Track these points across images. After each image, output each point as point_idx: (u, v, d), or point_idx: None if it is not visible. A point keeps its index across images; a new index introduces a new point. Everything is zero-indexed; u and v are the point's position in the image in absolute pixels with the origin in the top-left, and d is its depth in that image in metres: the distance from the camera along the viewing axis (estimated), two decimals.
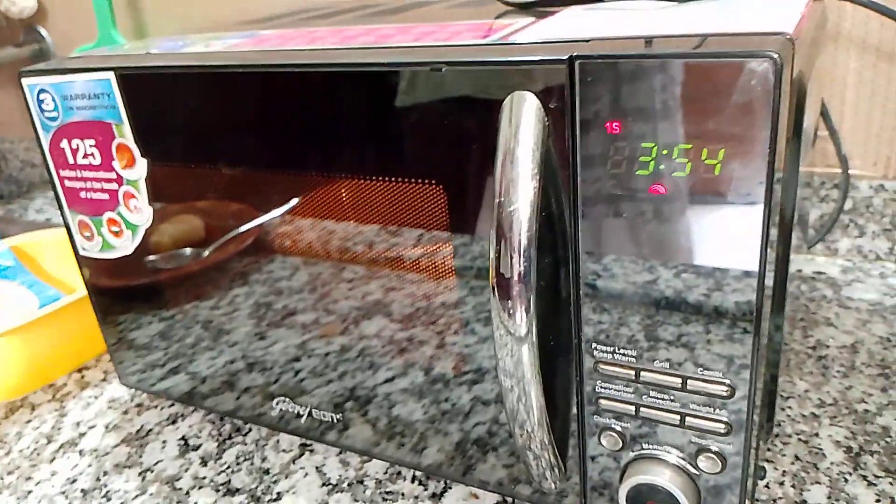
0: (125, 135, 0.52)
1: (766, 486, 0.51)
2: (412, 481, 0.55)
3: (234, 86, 0.48)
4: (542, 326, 0.40)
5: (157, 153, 0.53)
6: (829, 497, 0.49)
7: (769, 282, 0.37)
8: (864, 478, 0.51)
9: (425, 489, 0.54)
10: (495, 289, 0.39)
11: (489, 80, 0.39)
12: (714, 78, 0.33)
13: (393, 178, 0.44)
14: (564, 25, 0.43)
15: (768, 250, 0.35)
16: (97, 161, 0.55)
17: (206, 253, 0.55)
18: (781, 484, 0.51)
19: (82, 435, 0.64)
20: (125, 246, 0.58)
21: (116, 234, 0.57)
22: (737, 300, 0.37)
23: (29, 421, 0.67)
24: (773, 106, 0.32)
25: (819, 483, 0.51)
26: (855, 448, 0.53)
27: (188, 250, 0.56)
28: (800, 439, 0.55)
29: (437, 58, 0.40)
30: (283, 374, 0.56)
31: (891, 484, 0.50)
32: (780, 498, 0.50)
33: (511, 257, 0.37)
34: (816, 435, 0.55)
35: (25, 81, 0.55)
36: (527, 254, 0.37)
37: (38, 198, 1.31)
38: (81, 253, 0.61)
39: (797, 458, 0.53)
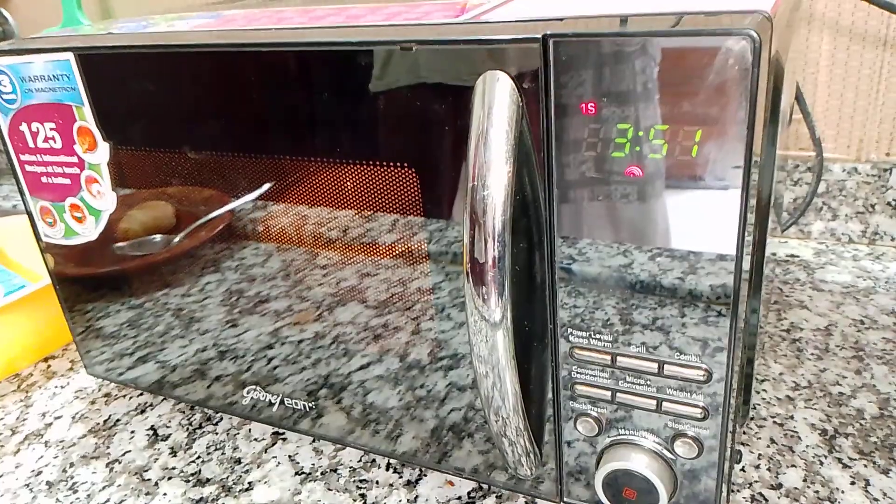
0: (86, 117, 0.51)
1: (742, 469, 0.51)
2: (387, 469, 0.54)
3: (198, 67, 0.46)
4: (516, 312, 0.39)
5: (120, 136, 0.51)
6: (804, 480, 0.49)
7: (746, 265, 0.36)
8: (839, 460, 0.51)
9: (400, 477, 0.53)
10: (469, 274, 0.38)
11: (461, 59, 0.37)
12: (691, 57, 0.32)
13: (365, 162, 0.43)
14: (538, 4, 0.42)
15: (745, 233, 0.35)
16: (58, 145, 0.53)
17: (177, 240, 0.54)
18: (757, 467, 0.51)
19: (48, 426, 0.63)
20: (89, 232, 0.56)
21: (79, 219, 0.56)
22: (713, 283, 0.37)
23: None
24: (751, 85, 0.31)
25: (795, 466, 0.51)
26: (830, 431, 0.54)
27: (158, 237, 0.55)
28: (775, 422, 0.55)
29: (407, 37, 0.39)
30: (255, 363, 0.55)
31: (865, 466, 0.50)
32: (756, 481, 0.50)
33: (485, 242, 0.37)
34: (791, 418, 0.55)
35: None
36: (501, 238, 0.37)
37: (4, 184, 1.28)
38: (44, 240, 0.59)
39: (773, 441, 0.53)
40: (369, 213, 0.44)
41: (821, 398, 0.57)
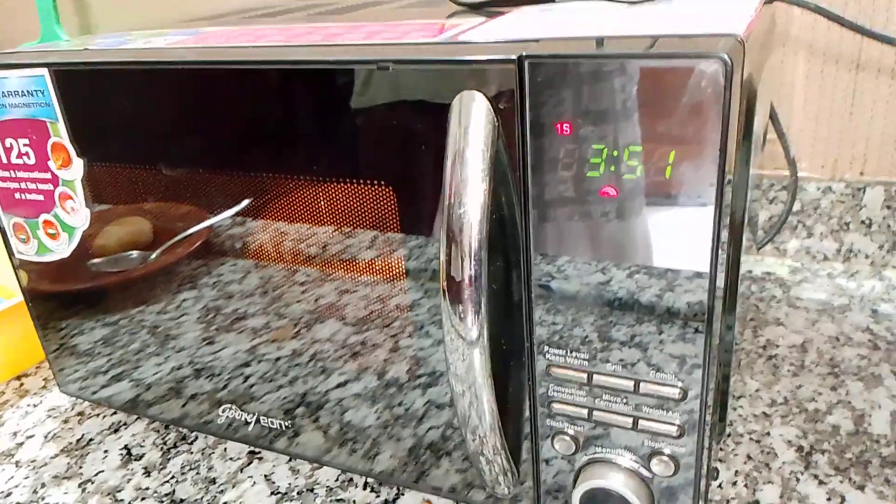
0: (60, 133, 0.50)
1: (720, 486, 0.51)
2: (364, 488, 0.54)
3: (173, 83, 0.46)
4: (494, 330, 0.39)
5: (95, 153, 0.51)
6: (781, 496, 0.50)
7: (720, 283, 0.37)
8: (816, 476, 0.51)
9: (378, 496, 0.53)
10: (446, 292, 0.38)
11: (438, 79, 0.38)
12: (664, 79, 0.33)
13: (343, 180, 0.43)
14: (515, 25, 0.43)
15: (719, 251, 0.35)
16: (32, 161, 0.53)
17: (154, 256, 0.53)
18: (734, 484, 0.51)
19: (19, 445, 0.62)
20: (62, 249, 0.55)
21: (53, 236, 0.55)
22: (689, 301, 0.37)
23: None
24: (724, 107, 0.32)
25: (771, 483, 0.51)
26: (806, 447, 0.54)
27: (135, 253, 0.54)
28: (752, 439, 0.55)
29: (385, 56, 0.39)
30: (231, 381, 0.54)
31: (841, 482, 0.50)
32: (734, 498, 0.50)
33: (462, 260, 0.37)
34: (768, 434, 0.55)
35: None
36: (477, 257, 0.37)
37: None
38: (17, 256, 0.59)
39: (749, 457, 0.53)
40: (347, 230, 0.44)
41: (797, 414, 0.57)
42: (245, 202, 0.47)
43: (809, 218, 0.80)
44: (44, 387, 0.70)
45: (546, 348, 0.41)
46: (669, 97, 0.33)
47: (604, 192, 0.36)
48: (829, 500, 0.49)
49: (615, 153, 0.35)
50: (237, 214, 0.48)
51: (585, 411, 0.42)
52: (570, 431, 0.43)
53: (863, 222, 0.78)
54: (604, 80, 0.34)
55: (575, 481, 0.44)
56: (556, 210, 0.37)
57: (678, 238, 0.36)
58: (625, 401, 0.40)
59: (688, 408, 0.39)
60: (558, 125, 0.35)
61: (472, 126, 0.36)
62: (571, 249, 0.38)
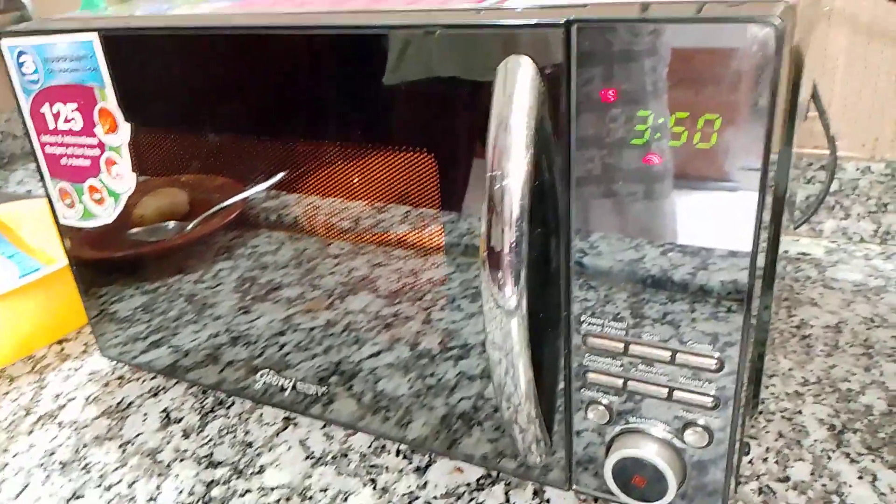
0: (108, 99, 0.51)
1: (750, 462, 0.51)
2: (396, 455, 0.54)
3: (219, 49, 0.47)
4: (531, 299, 0.39)
5: (141, 119, 0.51)
6: (811, 474, 0.50)
7: (761, 262, 0.37)
8: (847, 455, 0.51)
9: (410, 462, 0.53)
10: (486, 261, 0.38)
11: (485, 45, 0.38)
12: (713, 44, 0.32)
13: (384, 147, 0.43)
14: None
15: (761, 229, 0.35)
16: (78, 126, 0.54)
17: (190, 227, 0.54)
18: (765, 460, 0.51)
19: (62, 407, 0.63)
20: (107, 214, 0.56)
21: (98, 201, 0.56)
22: (728, 279, 0.37)
23: (7, 393, 0.66)
24: (774, 75, 0.32)
25: (802, 460, 0.51)
26: (838, 426, 0.54)
27: (171, 224, 0.55)
28: (783, 417, 0.55)
29: (430, 22, 0.39)
30: (267, 348, 0.55)
31: (873, 461, 0.50)
32: (764, 474, 0.50)
33: (502, 229, 0.37)
34: (800, 412, 0.55)
35: (5, 43, 0.54)
36: (519, 225, 0.37)
37: (20, 170, 1.29)
38: (62, 222, 0.60)
39: (781, 435, 0.53)
40: (384, 203, 0.45)
41: (829, 394, 0.57)
42: (282, 174, 0.48)
43: (847, 198, 0.79)
44: (84, 351, 0.71)
45: (583, 318, 0.41)
46: (717, 64, 0.32)
47: (647, 160, 0.36)
48: (860, 478, 0.49)
49: (661, 120, 0.34)
50: (274, 186, 0.48)
51: (620, 381, 0.42)
52: (604, 401, 0.43)
53: None
54: (651, 46, 0.34)
55: (608, 451, 0.44)
56: (599, 179, 0.37)
57: (721, 212, 0.36)
58: (660, 371, 0.41)
59: (722, 382, 0.39)
60: (604, 91, 0.35)
61: (518, 92, 0.36)
62: (614, 220, 0.38)
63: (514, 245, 0.37)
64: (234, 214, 0.52)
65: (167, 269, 0.58)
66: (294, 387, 0.55)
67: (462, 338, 0.46)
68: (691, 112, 0.34)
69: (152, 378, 0.66)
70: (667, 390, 0.41)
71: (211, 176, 0.51)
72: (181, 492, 0.53)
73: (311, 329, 0.53)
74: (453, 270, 0.45)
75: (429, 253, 0.45)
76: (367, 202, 0.45)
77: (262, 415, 0.60)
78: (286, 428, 0.58)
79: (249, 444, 0.57)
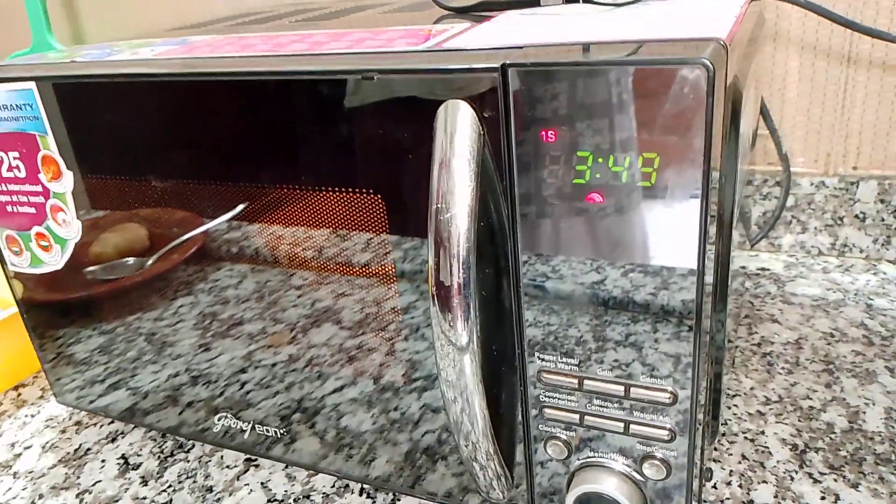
0: (50, 146, 0.50)
1: (714, 486, 0.51)
2: (360, 494, 0.54)
3: (161, 95, 0.46)
4: (484, 336, 0.39)
5: (85, 165, 0.51)
6: (775, 496, 0.50)
7: (709, 279, 0.37)
8: (810, 475, 0.51)
9: (373, 502, 0.53)
10: (435, 298, 0.38)
11: (423, 88, 0.38)
12: (648, 85, 0.33)
13: (332, 189, 0.43)
14: (500, 31, 0.43)
15: (707, 249, 0.35)
16: (22, 174, 0.53)
17: (150, 262, 0.53)
18: (729, 484, 0.51)
19: (17, 456, 0.62)
20: (54, 261, 0.55)
21: (45, 248, 0.55)
22: (681, 299, 0.37)
23: None
24: (707, 113, 0.32)
25: (766, 482, 0.51)
26: (800, 445, 0.54)
27: (131, 260, 0.54)
28: (746, 438, 0.55)
29: (369, 65, 0.39)
30: (228, 387, 0.55)
31: (835, 480, 0.50)
32: (728, 498, 0.50)
33: (450, 266, 0.37)
34: (762, 433, 0.55)
35: None
36: (466, 263, 0.37)
37: None
38: (11, 268, 0.59)
39: (744, 457, 0.53)
40: (339, 238, 0.44)
41: (791, 412, 0.57)
42: (237, 209, 0.47)
43: (803, 213, 0.80)
44: (41, 397, 0.70)
45: (536, 354, 0.41)
46: (653, 103, 0.33)
47: (590, 198, 0.36)
48: (823, 498, 0.49)
49: (600, 159, 0.35)
50: (232, 220, 0.48)
51: (577, 416, 0.42)
52: (563, 436, 0.43)
53: (857, 216, 0.78)
54: (587, 87, 0.34)
55: (569, 485, 0.44)
56: (543, 217, 0.37)
57: (666, 243, 0.36)
58: (616, 405, 0.41)
59: (680, 408, 0.39)
60: (543, 132, 0.35)
61: (458, 134, 0.36)
62: (558, 256, 0.38)
63: (462, 283, 0.37)
64: (194, 248, 0.51)
65: (126, 308, 0.57)
66: (254, 428, 0.55)
67: (425, 368, 0.46)
68: (630, 151, 0.34)
69: (110, 423, 0.65)
70: (623, 424, 0.41)
71: (170, 209, 0.51)
72: None
73: (273, 365, 0.52)
74: (415, 299, 0.44)
75: (388, 283, 0.45)
76: (322, 238, 0.45)
77: (222, 457, 0.59)
78: (247, 470, 0.57)
79: (210, 489, 0.56)
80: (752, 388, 0.60)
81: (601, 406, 0.41)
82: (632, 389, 0.40)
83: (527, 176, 0.37)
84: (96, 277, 0.56)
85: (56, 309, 0.61)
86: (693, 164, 0.33)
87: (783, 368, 0.63)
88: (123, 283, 0.55)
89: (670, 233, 0.35)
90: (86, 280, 0.56)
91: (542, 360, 0.41)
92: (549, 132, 0.35)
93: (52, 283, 0.59)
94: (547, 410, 0.42)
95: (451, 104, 0.36)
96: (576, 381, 0.41)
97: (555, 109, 0.35)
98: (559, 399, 0.42)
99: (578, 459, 0.43)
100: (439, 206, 0.36)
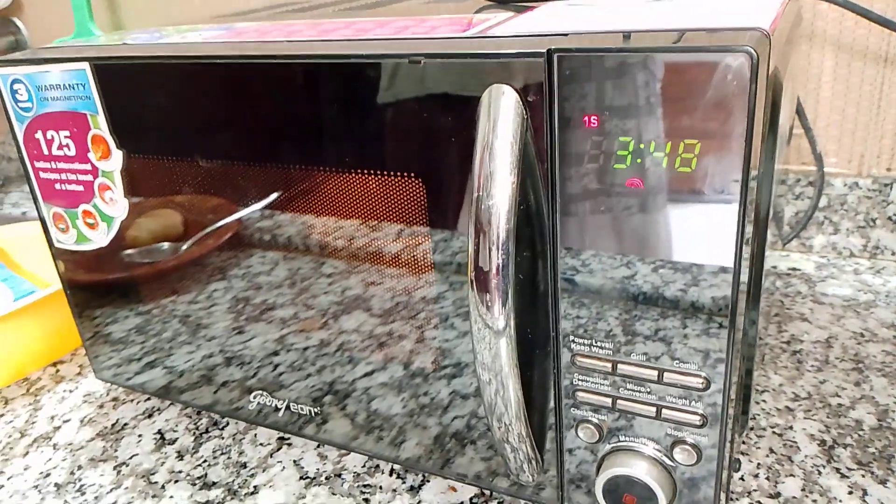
0: (100, 126, 0.52)
1: (741, 478, 0.51)
2: (390, 474, 0.55)
3: (210, 78, 0.47)
4: (519, 320, 0.40)
5: (133, 145, 0.52)
6: (802, 489, 0.50)
7: (744, 277, 0.37)
8: (838, 470, 0.51)
9: (403, 482, 0.54)
10: (473, 282, 0.39)
11: (468, 73, 0.39)
12: (691, 73, 0.33)
13: (373, 172, 0.44)
14: (543, 20, 0.43)
15: (744, 246, 0.36)
16: (72, 152, 0.54)
17: (184, 248, 0.55)
18: (756, 476, 0.51)
19: (56, 429, 0.64)
20: (100, 238, 0.57)
21: (92, 226, 0.57)
22: (713, 295, 0.37)
23: (2, 415, 0.66)
24: (749, 101, 0.32)
25: (793, 476, 0.51)
26: (829, 441, 0.54)
27: (165, 245, 0.56)
28: (774, 432, 0.55)
29: (415, 51, 0.40)
30: (261, 369, 0.56)
31: (863, 476, 0.51)
32: (755, 490, 0.50)
33: (489, 251, 0.38)
34: (791, 428, 0.56)
35: None
36: (505, 247, 0.38)
37: (14, 192, 1.30)
38: (57, 245, 0.60)
39: (772, 450, 0.54)
40: (376, 222, 0.45)
41: (820, 409, 0.57)
42: (275, 195, 0.48)
43: (836, 214, 0.80)
44: (79, 373, 0.72)
45: (571, 338, 0.42)
46: (695, 91, 0.33)
47: (630, 184, 0.37)
48: (850, 493, 0.49)
49: (641, 146, 0.35)
50: (267, 207, 0.49)
51: (609, 400, 0.42)
52: (594, 420, 0.43)
53: (889, 218, 0.77)
54: (630, 74, 0.35)
55: (598, 469, 0.44)
56: (583, 202, 0.38)
57: (703, 232, 0.36)
58: (648, 390, 0.41)
59: (711, 399, 0.40)
60: (586, 118, 0.36)
61: (501, 119, 0.37)
62: (597, 242, 0.39)
63: (500, 266, 0.38)
64: (227, 235, 0.52)
65: (161, 291, 0.58)
66: (288, 407, 0.56)
67: (455, 356, 0.47)
68: (672, 137, 0.34)
69: (146, 399, 0.66)
70: (655, 409, 0.41)
71: (205, 196, 0.52)
72: None
73: (305, 349, 0.53)
74: (446, 289, 0.45)
75: (421, 272, 0.46)
76: (359, 223, 0.46)
77: (256, 435, 0.60)
78: (280, 448, 0.58)
79: (244, 465, 0.57)
80: (780, 385, 0.61)
81: (634, 390, 0.41)
82: (665, 374, 0.40)
83: (568, 161, 0.37)
84: (133, 261, 0.57)
85: (95, 289, 0.62)
86: (734, 152, 0.33)
87: (812, 366, 0.63)
88: (159, 267, 0.57)
89: (708, 224, 0.36)
90: (123, 262, 0.58)
91: (577, 343, 0.42)
92: (592, 118, 0.36)
93: (92, 264, 0.60)
94: (579, 394, 0.43)
95: (495, 89, 0.37)
96: (610, 364, 0.41)
97: (598, 95, 0.35)
98: (592, 383, 0.42)
99: (609, 444, 0.44)
100: (481, 189, 0.37)
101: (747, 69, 0.32)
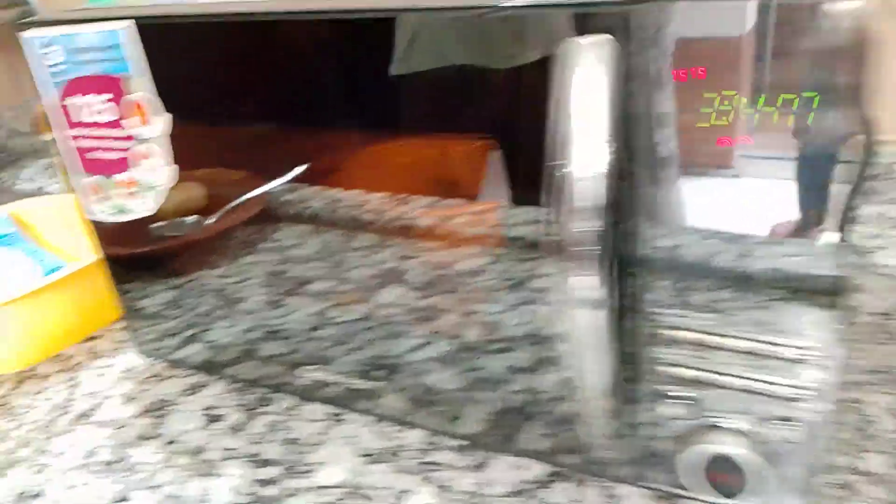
0: (136, 90, 0.49)
1: (827, 454, 0.49)
2: (452, 451, 0.52)
3: (254, 36, 0.45)
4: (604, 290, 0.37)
5: (171, 109, 0.49)
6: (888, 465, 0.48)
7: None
8: None
9: (468, 459, 0.51)
10: (559, 252, 0.36)
11: (546, 27, 0.36)
12: (798, 18, 0.30)
13: (445, 133, 0.41)
14: None
15: (852, 213, 0.33)
16: (107, 118, 0.51)
17: (214, 220, 0.53)
18: (844, 454, 0.49)
19: (98, 406, 0.62)
20: (144, 207, 0.54)
21: (132, 195, 0.54)
22: (820, 269, 0.35)
23: (39, 392, 0.65)
24: (865, 51, 0.29)
25: (883, 452, 0.49)
26: None
27: (190, 218, 0.54)
28: (850, 406, 0.53)
29: (481, 2, 0.37)
30: (308, 343, 0.54)
31: None
32: (843, 467, 0.48)
33: (578, 217, 0.35)
34: (864, 402, 0.53)
35: (28, 34, 0.52)
36: (592, 216, 0.35)
37: (29, 166, 1.26)
38: (91, 217, 0.58)
39: (856, 427, 0.51)
40: (434, 195, 0.43)
41: (892, 382, 0.55)
42: (319, 165, 0.46)
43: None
44: (116, 349, 0.70)
45: (656, 309, 0.40)
46: (803, 38, 0.30)
47: (727, 141, 0.34)
48: None
49: (744, 99, 0.32)
50: (305, 179, 0.47)
51: (694, 373, 0.40)
52: (678, 395, 0.41)
53: None
54: (732, 23, 0.32)
55: (681, 446, 0.42)
56: (676, 164, 0.35)
57: (809, 198, 0.34)
58: (737, 363, 0.39)
59: (802, 374, 0.37)
60: (673, 72, 0.33)
61: (579, 76, 0.34)
62: (690, 207, 0.36)
63: (588, 235, 0.35)
64: (258, 207, 0.50)
65: (191, 264, 0.56)
66: (340, 382, 0.54)
67: (509, 331, 0.45)
68: (777, 90, 0.32)
69: (189, 375, 0.64)
70: (743, 382, 0.39)
71: (226, 170, 0.50)
72: (233, 491, 0.51)
73: (353, 322, 0.51)
74: (503, 261, 0.43)
75: (483, 244, 0.43)
76: (425, 193, 0.43)
77: (308, 410, 0.58)
78: (335, 424, 0.56)
79: (298, 441, 0.55)
80: (849, 359, 0.58)
81: (721, 363, 0.39)
82: (756, 346, 0.38)
83: (660, 119, 0.35)
84: (160, 234, 0.55)
85: (125, 263, 0.60)
86: (852, 103, 0.31)
87: (879, 340, 0.60)
88: (187, 240, 0.55)
89: (812, 189, 0.33)
90: (152, 235, 0.56)
91: (663, 314, 0.39)
92: (680, 72, 0.33)
93: (118, 238, 0.58)
94: (663, 367, 0.41)
95: (573, 44, 0.34)
96: (696, 336, 0.39)
97: (685, 48, 0.32)
98: (676, 355, 0.40)
99: (692, 419, 0.42)
100: (562, 155, 0.34)
101: (863, 17, 0.29)
